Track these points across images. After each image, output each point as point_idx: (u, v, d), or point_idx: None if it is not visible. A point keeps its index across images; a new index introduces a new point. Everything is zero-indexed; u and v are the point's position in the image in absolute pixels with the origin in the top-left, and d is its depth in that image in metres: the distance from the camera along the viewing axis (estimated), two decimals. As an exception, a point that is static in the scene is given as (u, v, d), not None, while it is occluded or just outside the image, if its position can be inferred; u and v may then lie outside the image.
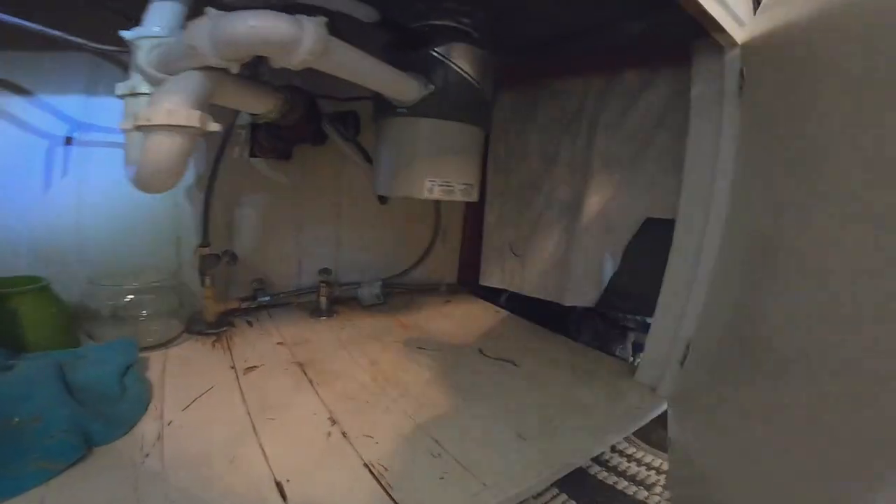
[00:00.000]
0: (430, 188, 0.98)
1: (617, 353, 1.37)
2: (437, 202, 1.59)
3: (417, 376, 1.03)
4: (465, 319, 1.42)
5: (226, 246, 1.26)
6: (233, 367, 1.00)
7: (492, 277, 1.60)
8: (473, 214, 1.69)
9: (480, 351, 1.18)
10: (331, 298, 1.37)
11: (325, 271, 1.35)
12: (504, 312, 1.52)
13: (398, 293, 1.60)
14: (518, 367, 1.11)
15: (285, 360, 1.05)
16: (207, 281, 1.16)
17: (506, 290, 1.63)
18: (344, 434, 0.80)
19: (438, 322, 1.38)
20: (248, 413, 0.84)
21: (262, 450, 0.74)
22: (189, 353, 1.06)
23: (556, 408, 0.94)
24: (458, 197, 1.03)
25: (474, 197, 1.09)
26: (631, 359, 1.33)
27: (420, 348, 1.17)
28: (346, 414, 0.86)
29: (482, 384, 1.01)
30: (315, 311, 1.36)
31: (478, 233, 1.67)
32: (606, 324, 1.61)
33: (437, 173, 0.99)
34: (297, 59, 0.64)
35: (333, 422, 0.83)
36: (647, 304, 1.32)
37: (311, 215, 1.43)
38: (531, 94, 1.46)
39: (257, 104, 0.88)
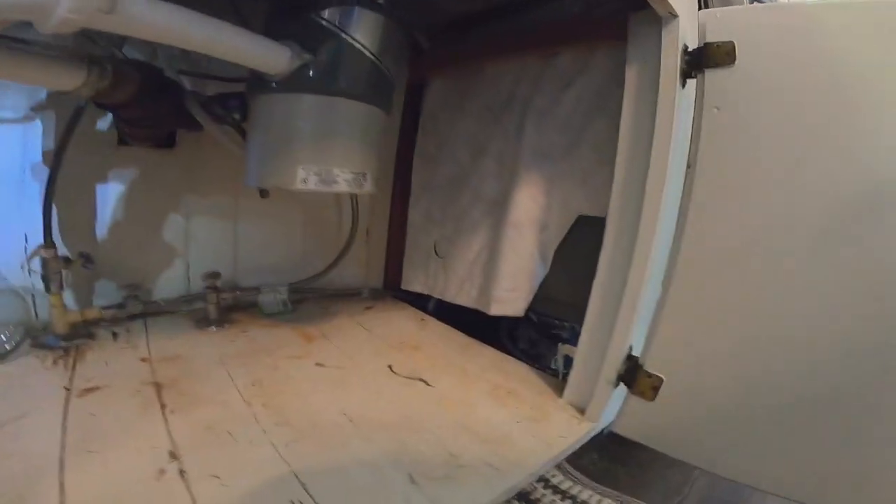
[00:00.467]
0: (304, 178, 0.81)
1: (552, 366, 1.25)
2: (355, 195, 1.42)
3: (304, 401, 0.85)
4: (383, 329, 1.25)
5: (88, 246, 1.04)
6: (67, 388, 0.79)
7: (414, 282, 1.45)
8: (400, 211, 1.53)
9: (390, 368, 1.02)
10: (221, 306, 1.17)
11: (211, 275, 1.15)
12: (430, 320, 1.36)
13: (311, 300, 1.42)
14: (430, 386, 0.96)
15: (140, 381, 0.85)
16: (54, 287, 0.94)
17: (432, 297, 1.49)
18: (182, 473, 0.63)
19: (351, 333, 1.21)
20: (63, 445, 0.65)
21: (62, 491, 0.57)
22: (19, 370, 0.85)
23: (466, 439, 0.79)
24: (344, 188, 0.86)
25: (367, 188, 0.92)
26: (564, 372, 1.21)
27: (318, 365, 1.00)
28: (195, 448, 0.68)
29: (383, 410, 0.85)
30: (202, 321, 1.15)
31: (405, 231, 1.51)
32: (540, 332, 1.49)
33: (313, 159, 0.82)
34: (55, 20, 0.48)
35: (174, 457, 0.66)
36: (580, 312, 1.21)
37: (201, 210, 1.23)
38: (462, 80, 1.32)
39: (53, 78, 0.70)
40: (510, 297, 1.18)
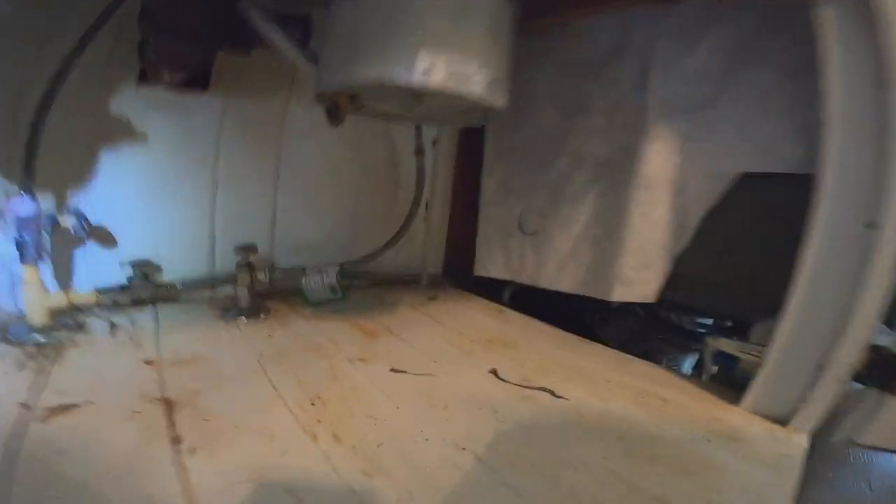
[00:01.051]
0: (428, 68, 0.53)
1: (664, 364, 0.95)
2: (421, 158, 1.13)
3: (393, 427, 0.56)
4: (458, 322, 0.96)
5: (83, 206, 0.77)
6: (25, 407, 0.51)
7: (491, 265, 1.15)
8: (467, 181, 1.24)
9: (495, 374, 0.72)
10: (256, 291, 0.89)
11: (246, 248, 0.87)
12: (510, 312, 1.07)
13: (361, 286, 1.13)
14: (559, 398, 0.66)
15: (141, 395, 0.57)
16: (28, 256, 0.67)
17: (509, 283, 1.19)
18: None
19: (421, 328, 0.92)
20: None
21: None
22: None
23: (656, 472, 0.50)
24: (478, 92, 0.59)
25: (501, 102, 0.65)
26: (702, 375, 0.91)
27: (396, 371, 0.71)
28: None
29: (513, 437, 0.56)
30: (230, 311, 0.87)
31: (471, 206, 1.22)
32: (648, 324, 1.18)
33: (442, 43, 0.54)
34: None
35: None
36: (735, 298, 0.90)
37: (234, 171, 0.95)
38: (538, 36, 1.04)
39: None
40: (639, 277, 0.88)
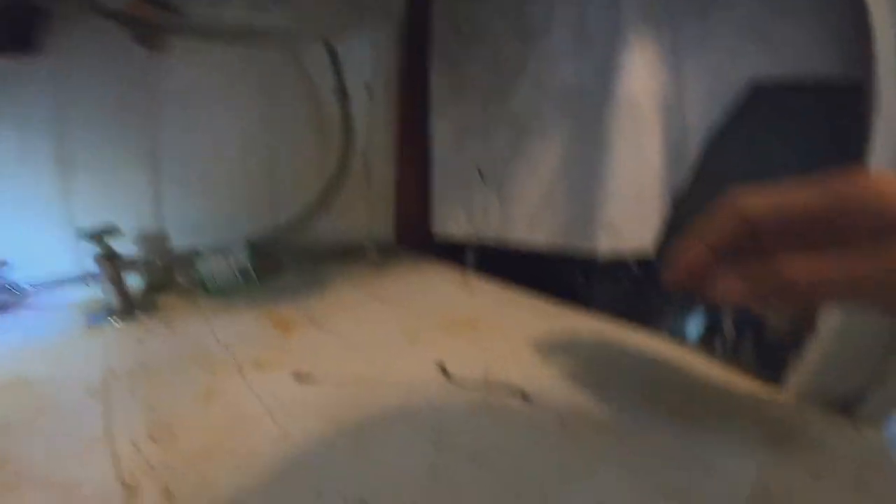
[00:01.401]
0: None
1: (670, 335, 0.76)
2: (346, 102, 0.90)
3: (268, 473, 0.35)
4: (412, 301, 0.75)
5: None
6: None
7: (452, 223, 0.94)
8: (413, 127, 1.01)
9: (443, 371, 0.51)
10: (125, 287, 0.67)
11: (101, 234, 0.64)
12: (480, 283, 0.86)
13: (288, 266, 0.91)
14: (535, 405, 0.46)
15: None
16: None
17: (475, 245, 0.98)
18: None
19: (358, 313, 0.70)
20: None
21: None
22: None
23: None
24: None
25: None
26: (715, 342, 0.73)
27: (301, 380, 0.50)
28: None
29: (455, 482, 0.35)
30: (98, 314, 0.65)
31: (423, 155, 1.00)
32: (645, 283, 0.98)
33: None
34: None
35: None
36: None
37: (91, 146, 0.72)
38: None
39: None
40: (631, 223, 0.68)
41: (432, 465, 0.36)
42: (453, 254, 0.99)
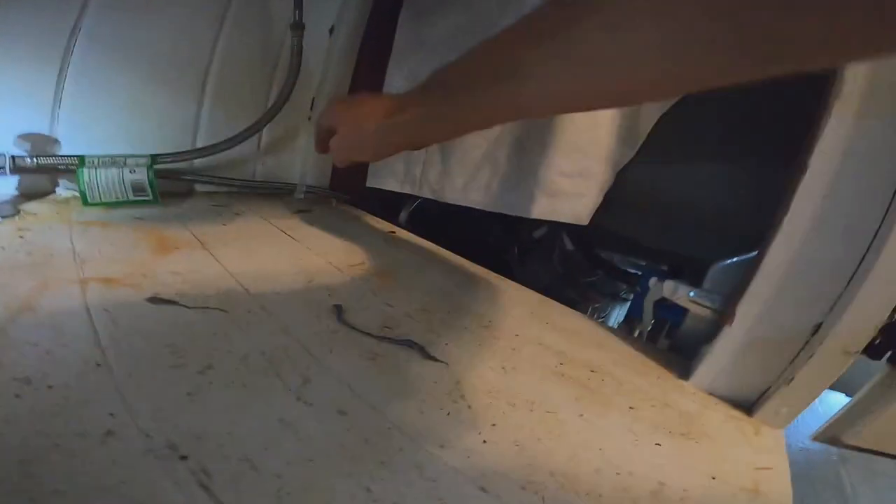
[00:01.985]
0: None
1: (589, 314, 0.74)
2: (299, 35, 0.80)
3: (83, 393, 0.29)
4: (323, 243, 0.68)
5: None
6: None
7: (388, 176, 0.87)
8: (369, 79, 0.92)
9: (338, 313, 0.46)
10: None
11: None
12: (405, 236, 0.80)
13: (206, 196, 0.82)
14: (434, 360, 0.41)
15: None
16: None
17: (411, 200, 0.93)
18: None
19: (259, 244, 0.63)
20: None
21: None
22: None
23: None
24: None
25: None
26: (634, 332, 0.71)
27: (159, 300, 0.42)
28: None
29: (331, 439, 0.30)
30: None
31: None
32: (576, 264, 0.96)
33: None
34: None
35: None
36: (690, 229, 0.70)
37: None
38: None
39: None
40: (572, 187, 0.64)
41: (281, 420, 0.31)
42: (389, 211, 0.93)
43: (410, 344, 0.42)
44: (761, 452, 0.39)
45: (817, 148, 0.41)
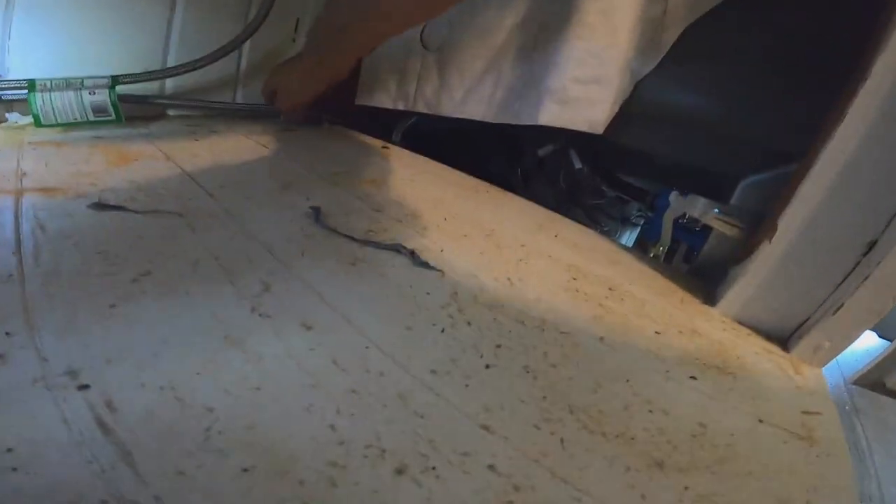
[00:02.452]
0: None
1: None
2: None
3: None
4: (307, 156, 0.60)
5: None
6: None
7: (380, 92, 0.76)
8: None
9: (315, 215, 0.38)
10: None
11: None
12: (399, 150, 0.71)
13: (178, 118, 0.71)
14: (428, 267, 0.34)
15: None
16: None
17: (405, 119, 0.82)
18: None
19: (232, 156, 0.54)
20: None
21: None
22: None
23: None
24: None
25: None
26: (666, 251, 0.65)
27: (102, 206, 0.34)
28: None
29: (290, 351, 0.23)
30: None
31: None
32: (583, 184, 0.87)
33: None
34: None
35: None
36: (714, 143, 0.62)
37: None
38: None
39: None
40: (586, 93, 0.55)
41: (227, 337, 0.24)
42: (383, 132, 0.83)
43: (399, 248, 0.34)
44: (805, 393, 0.33)
45: (882, 55, 0.32)
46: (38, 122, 0.55)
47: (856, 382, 0.42)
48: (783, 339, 0.39)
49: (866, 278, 0.35)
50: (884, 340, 0.46)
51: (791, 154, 0.44)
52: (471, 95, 0.66)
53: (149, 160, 0.47)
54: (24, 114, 0.56)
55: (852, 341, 0.38)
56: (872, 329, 0.48)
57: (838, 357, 0.39)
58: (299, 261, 0.31)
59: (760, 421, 0.27)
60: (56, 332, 0.22)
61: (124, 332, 0.22)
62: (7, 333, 0.21)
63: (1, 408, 0.18)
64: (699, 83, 0.59)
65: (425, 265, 0.33)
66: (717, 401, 0.28)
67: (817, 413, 0.30)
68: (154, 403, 0.19)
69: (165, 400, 0.19)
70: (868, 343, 0.47)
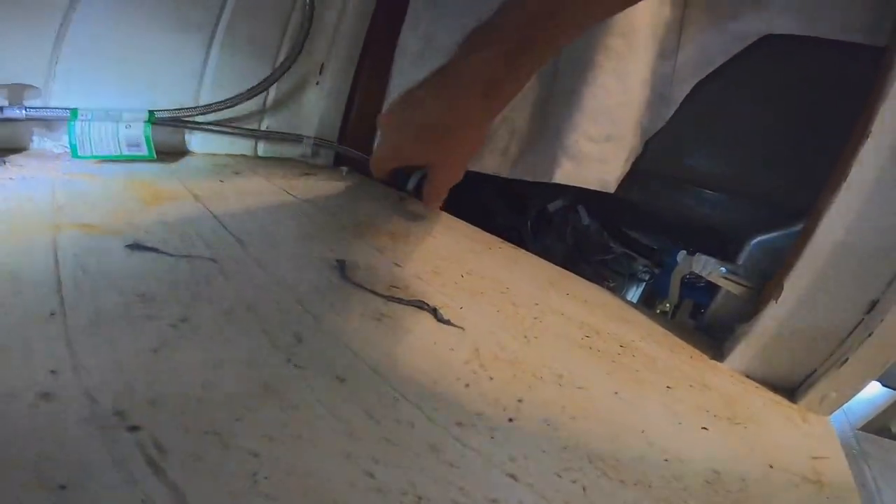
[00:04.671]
0: None
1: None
2: None
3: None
4: (328, 204, 0.63)
5: None
6: None
7: None
8: (382, 39, 0.86)
9: (341, 270, 0.40)
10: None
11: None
12: (412, 200, 0.74)
13: (203, 155, 0.75)
14: (449, 323, 0.35)
15: None
16: None
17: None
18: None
19: (257, 201, 0.57)
20: None
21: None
22: None
23: None
24: None
25: None
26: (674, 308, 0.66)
27: (144, 248, 0.37)
28: None
29: (320, 403, 0.25)
30: None
31: (386, 73, 0.85)
32: (591, 240, 0.90)
33: None
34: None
35: None
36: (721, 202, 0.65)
37: None
38: None
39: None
40: (599, 151, 0.58)
41: (265, 386, 0.25)
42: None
43: (422, 305, 0.36)
44: (813, 440, 0.34)
45: (879, 115, 0.35)
46: (74, 153, 0.58)
47: (862, 429, 0.43)
48: (790, 391, 0.40)
49: (870, 335, 0.37)
50: (888, 389, 0.47)
51: (800, 211, 0.46)
52: (485, 148, 0.69)
53: (179, 201, 0.49)
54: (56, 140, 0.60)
55: (858, 391, 0.39)
56: (876, 379, 0.49)
57: (844, 405, 0.40)
58: (328, 313, 0.33)
59: (771, 466, 0.28)
60: (101, 372, 0.23)
61: (167, 375, 0.24)
62: (52, 371, 0.22)
63: (52, 445, 0.19)
64: (708, 140, 0.62)
65: (447, 322, 0.35)
66: (729, 449, 0.29)
67: (826, 457, 0.31)
68: (201, 447, 0.20)
69: (212, 444, 0.20)
70: (872, 391, 0.48)
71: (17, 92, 0.57)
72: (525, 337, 0.36)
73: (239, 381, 0.25)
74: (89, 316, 0.27)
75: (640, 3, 0.53)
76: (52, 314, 0.27)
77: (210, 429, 0.21)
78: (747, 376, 0.42)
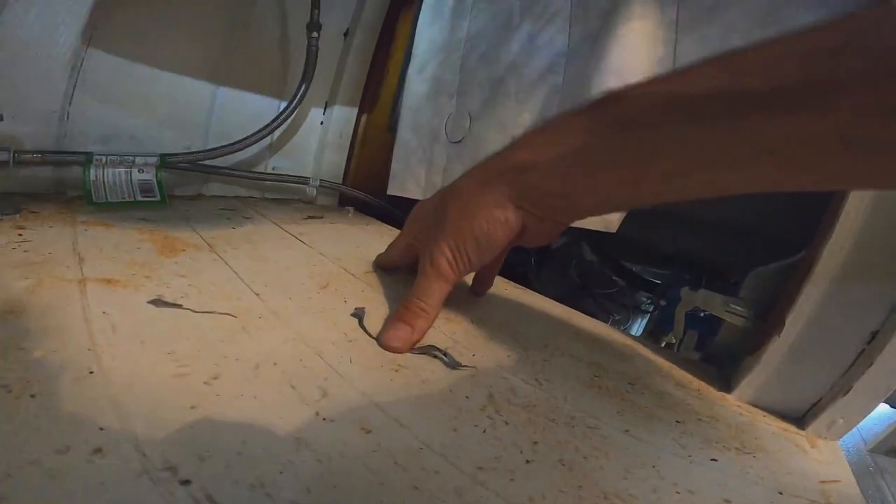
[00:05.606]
0: None
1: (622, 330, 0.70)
2: (315, 36, 0.79)
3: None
4: (340, 249, 0.65)
5: None
6: None
7: (410, 183, 0.84)
8: (382, 82, 0.91)
9: (359, 321, 0.43)
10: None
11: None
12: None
13: (212, 198, 0.79)
14: (461, 366, 0.37)
15: None
16: None
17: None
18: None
19: (268, 248, 0.60)
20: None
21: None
22: None
23: None
24: None
25: None
26: (679, 340, 0.67)
27: (162, 303, 0.39)
28: None
29: (347, 455, 0.26)
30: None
31: (387, 111, 0.91)
32: (595, 274, 0.92)
33: None
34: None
35: None
36: (724, 232, 0.67)
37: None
38: None
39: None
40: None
41: (299, 439, 0.27)
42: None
43: (436, 353, 0.38)
44: (822, 464, 0.35)
45: None
46: (89, 199, 0.60)
47: (873, 450, 0.44)
48: (798, 419, 0.42)
49: (871, 364, 0.38)
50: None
51: (800, 242, 0.48)
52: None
53: (194, 251, 0.52)
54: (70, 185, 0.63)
55: (865, 416, 0.40)
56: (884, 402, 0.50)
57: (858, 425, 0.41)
58: (349, 367, 0.35)
59: (780, 493, 0.30)
60: (146, 428, 0.25)
61: (208, 431, 0.26)
62: (101, 428, 0.24)
63: (114, 497, 0.21)
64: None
65: (460, 365, 0.37)
66: (739, 478, 0.31)
67: (835, 481, 0.32)
68: (249, 500, 0.22)
69: (258, 497, 0.22)
70: (882, 410, 0.49)
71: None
72: (536, 380, 0.38)
73: (273, 436, 0.27)
74: (126, 374, 0.29)
75: (631, 50, 0.57)
76: (91, 372, 0.29)
77: (257, 482, 0.23)
78: (755, 406, 0.43)
